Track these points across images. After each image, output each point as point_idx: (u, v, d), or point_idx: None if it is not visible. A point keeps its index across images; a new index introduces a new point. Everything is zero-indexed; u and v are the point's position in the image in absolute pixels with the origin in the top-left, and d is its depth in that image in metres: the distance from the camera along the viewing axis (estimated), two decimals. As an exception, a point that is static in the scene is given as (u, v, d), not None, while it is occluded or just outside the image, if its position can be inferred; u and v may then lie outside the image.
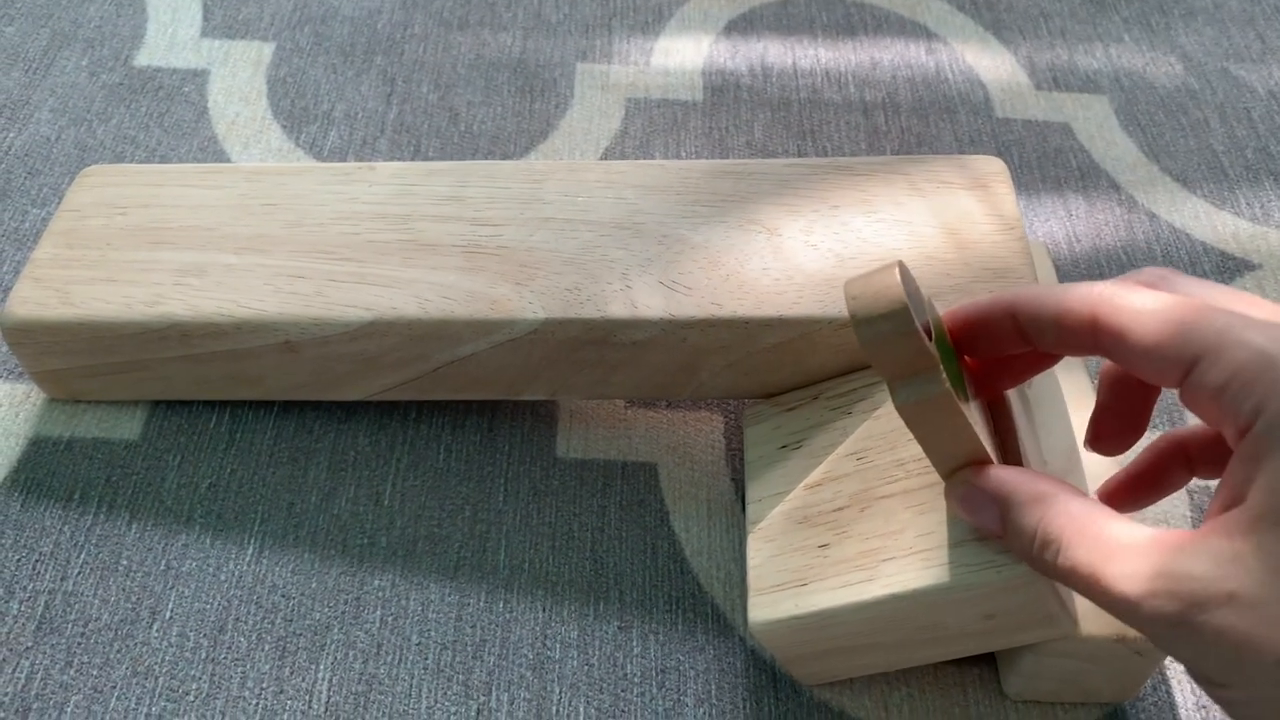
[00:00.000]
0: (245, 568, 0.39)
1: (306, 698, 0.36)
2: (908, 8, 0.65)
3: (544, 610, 0.39)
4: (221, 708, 0.36)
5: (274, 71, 0.58)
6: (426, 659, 0.38)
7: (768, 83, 0.60)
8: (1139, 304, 0.28)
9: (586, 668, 0.38)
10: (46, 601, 0.38)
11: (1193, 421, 0.45)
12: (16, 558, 0.39)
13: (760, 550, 0.36)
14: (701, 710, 0.37)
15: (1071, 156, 0.57)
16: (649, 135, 0.57)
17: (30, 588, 0.39)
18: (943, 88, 0.61)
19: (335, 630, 0.38)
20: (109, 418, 0.43)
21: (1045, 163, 0.57)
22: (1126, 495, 0.34)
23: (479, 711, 0.36)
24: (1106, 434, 0.33)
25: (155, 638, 0.38)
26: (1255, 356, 0.26)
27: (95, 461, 0.42)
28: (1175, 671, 0.39)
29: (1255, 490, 0.25)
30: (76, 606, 0.38)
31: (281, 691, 0.37)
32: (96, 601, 0.38)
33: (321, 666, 0.37)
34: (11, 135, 0.54)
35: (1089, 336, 0.29)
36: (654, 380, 0.41)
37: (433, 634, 0.38)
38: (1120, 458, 0.35)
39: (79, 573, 0.39)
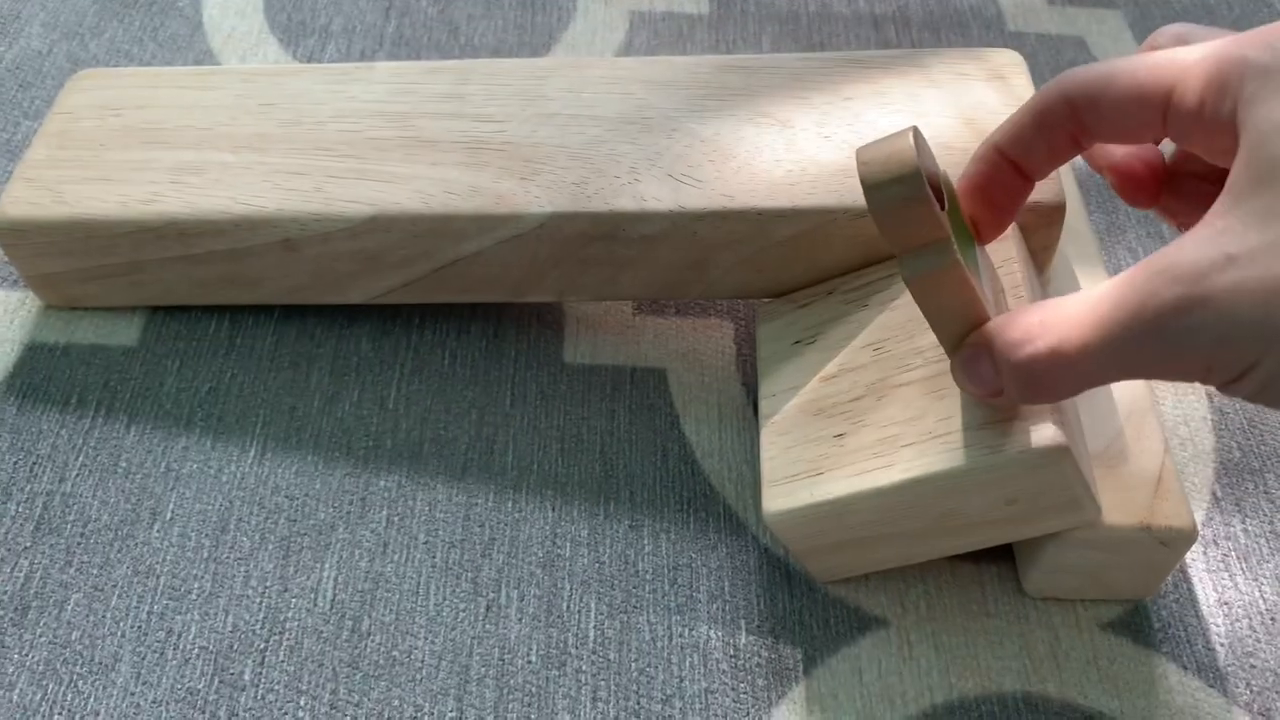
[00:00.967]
0: (247, 469, 0.39)
1: (312, 595, 0.36)
2: (917, -77, 0.64)
3: (553, 510, 0.38)
4: (225, 605, 0.35)
5: (270, -15, 0.57)
6: (434, 557, 0.37)
7: (775, -4, 0.59)
8: (1104, 68, 0.28)
9: (597, 565, 0.37)
10: (45, 503, 0.37)
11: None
12: (14, 460, 0.38)
13: (775, 443, 0.35)
14: (715, 606, 0.36)
15: (1086, 69, 0.56)
16: (654, 49, 0.55)
17: (28, 489, 0.38)
18: (954, 2, 0.59)
19: (340, 530, 0.37)
20: (106, 324, 0.42)
21: (1059, 75, 0.56)
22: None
23: (488, 607, 0.36)
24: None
25: (156, 538, 0.37)
26: (1220, 61, 0.25)
27: (93, 367, 0.41)
28: (1196, 569, 0.38)
29: (1234, 170, 0.25)
30: (75, 507, 0.37)
31: (286, 590, 0.36)
32: (96, 503, 0.38)
33: (326, 565, 0.36)
34: (2, 48, 0.52)
35: (1069, 120, 0.28)
36: (663, 279, 0.40)
37: (440, 533, 0.37)
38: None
39: (77, 474, 0.38)
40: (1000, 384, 0.29)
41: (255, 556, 0.37)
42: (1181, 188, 0.32)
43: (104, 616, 0.35)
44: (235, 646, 0.35)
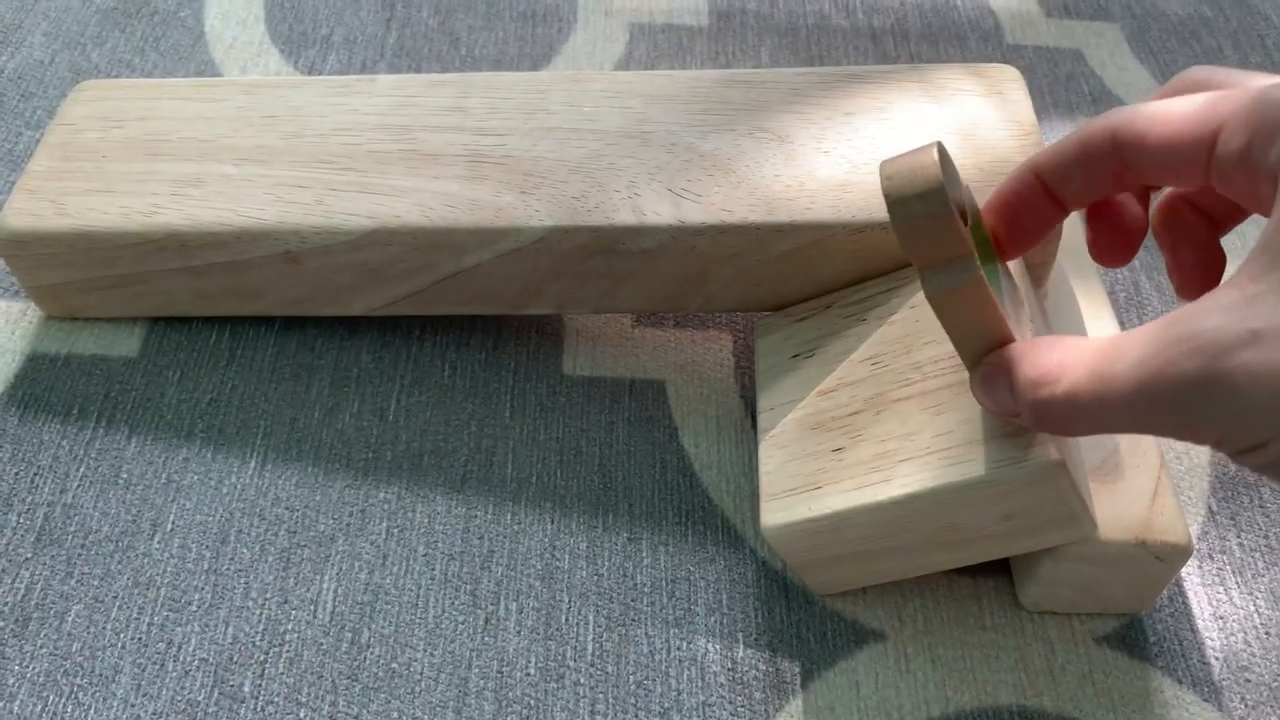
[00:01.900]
0: (247, 481, 0.39)
1: (311, 607, 0.36)
2: (916, -65, 0.64)
3: (552, 522, 0.38)
4: (225, 617, 0.36)
5: (271, -4, 0.57)
6: (434, 569, 0.37)
7: (774, 8, 0.59)
8: (1154, 107, 0.27)
9: (596, 577, 0.37)
10: (46, 514, 0.38)
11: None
12: (15, 471, 0.39)
13: (772, 456, 0.35)
14: (713, 619, 0.36)
15: (1083, 82, 0.56)
16: (654, 60, 0.56)
17: (29, 500, 0.38)
18: (952, 14, 0.60)
19: (340, 542, 0.37)
20: (107, 335, 0.43)
21: (1057, 88, 0.56)
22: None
23: (487, 620, 0.36)
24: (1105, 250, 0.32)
25: (156, 549, 0.37)
26: (1268, 105, 0.24)
27: (94, 377, 0.41)
28: (1192, 583, 0.38)
29: (1272, 224, 0.24)
30: (76, 518, 0.38)
31: (286, 601, 0.36)
32: (96, 514, 0.38)
33: (326, 577, 0.37)
34: (4, 58, 0.53)
35: (1111, 156, 0.28)
36: (663, 292, 0.40)
37: (440, 545, 0.38)
38: None
39: (79, 485, 0.38)
40: (1016, 408, 0.29)
41: (255, 568, 0.37)
42: (1179, 220, 0.31)
43: (104, 628, 0.35)
44: (235, 658, 0.35)
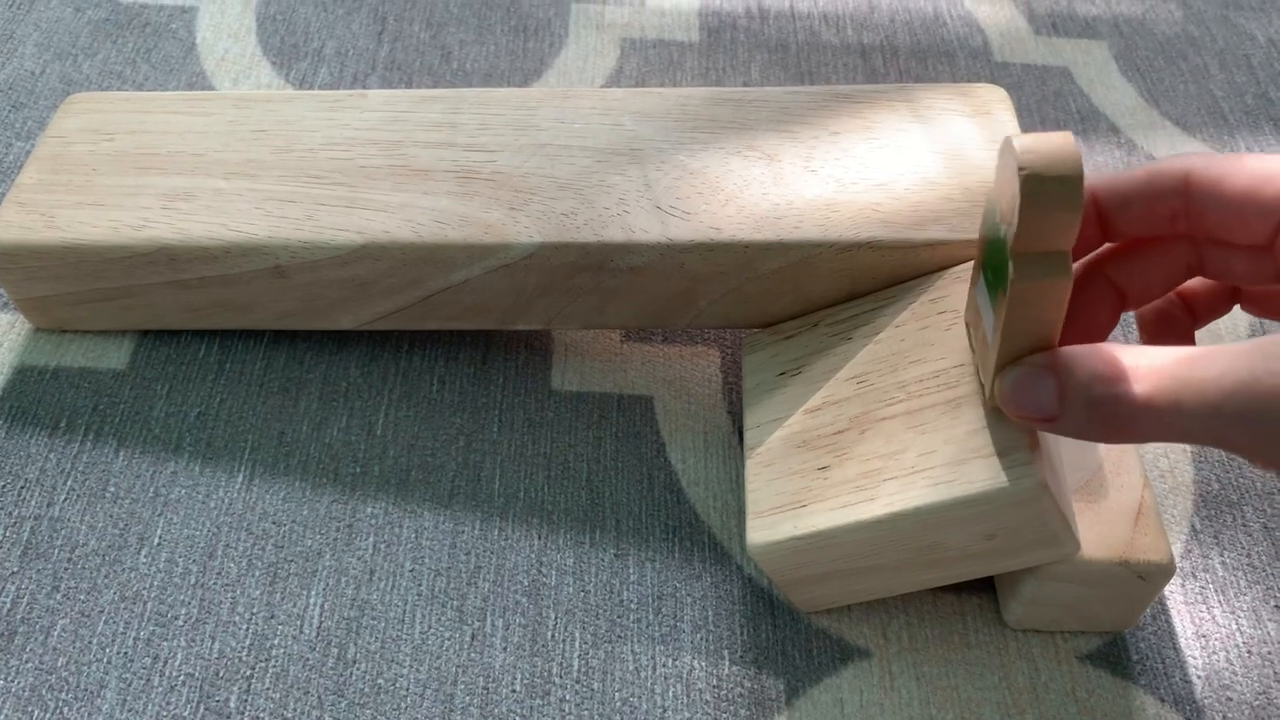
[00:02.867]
0: (235, 495, 0.39)
1: (298, 623, 0.36)
2: (906, -47, 0.65)
3: (539, 538, 0.38)
4: (211, 632, 0.36)
5: (263, 8, 0.57)
6: (420, 585, 0.37)
7: (765, 24, 0.59)
8: (1233, 158, 0.28)
9: (582, 594, 0.37)
10: (32, 527, 0.38)
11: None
12: (1, 484, 0.39)
13: (759, 474, 0.36)
14: (699, 636, 0.36)
15: (1071, 100, 0.57)
16: (644, 75, 0.56)
17: (15, 513, 0.38)
18: (941, 32, 0.60)
19: (327, 556, 0.37)
20: (96, 348, 0.43)
21: (1045, 106, 0.56)
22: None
23: (473, 636, 0.36)
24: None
25: (143, 563, 0.37)
26: None
27: (82, 390, 0.41)
28: (1175, 601, 0.38)
29: None
30: (63, 532, 0.38)
31: (272, 616, 0.36)
32: (84, 527, 0.38)
33: (313, 592, 0.37)
34: (-5, 69, 0.53)
35: (1178, 194, 0.28)
36: (651, 309, 0.40)
37: (426, 560, 0.38)
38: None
39: (65, 499, 0.38)
40: (1055, 410, 0.28)
41: (242, 583, 0.37)
42: (1165, 316, 0.33)
43: (90, 642, 0.35)
44: (221, 673, 0.35)
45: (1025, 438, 0.31)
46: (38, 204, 0.40)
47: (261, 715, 0.34)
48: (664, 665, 0.36)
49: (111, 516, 0.38)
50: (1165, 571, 0.34)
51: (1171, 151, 0.54)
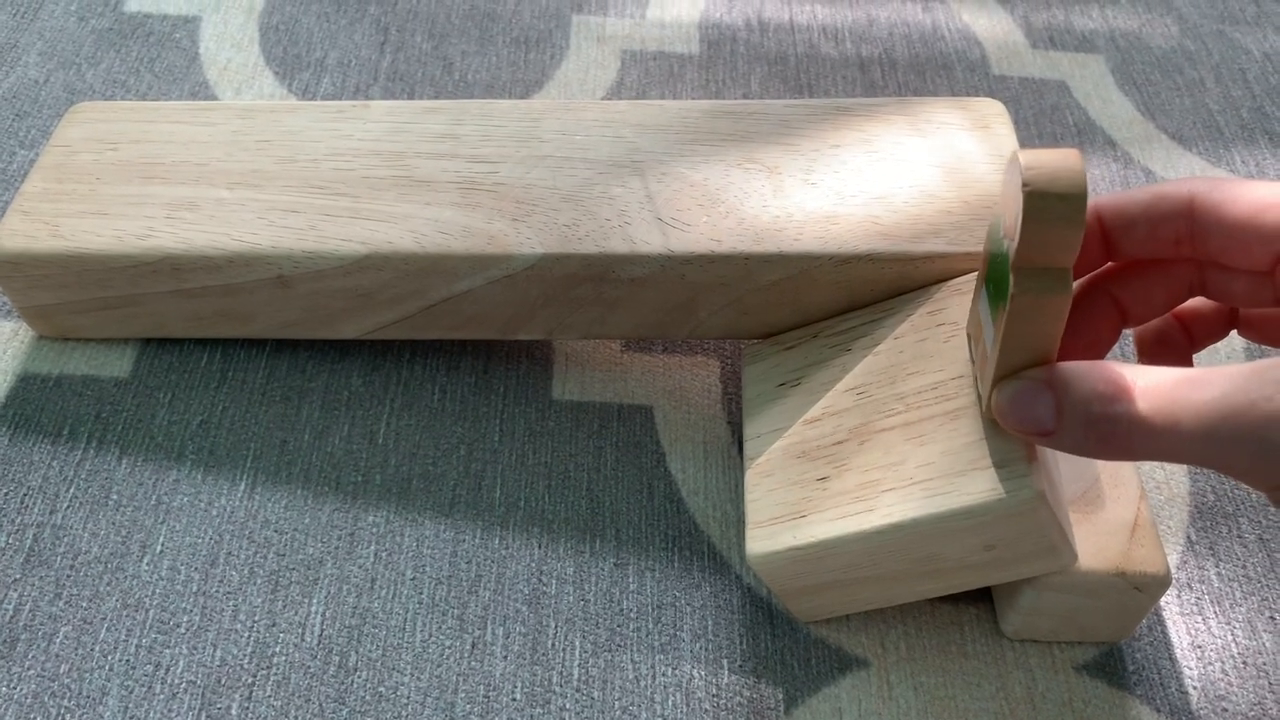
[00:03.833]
0: (237, 503, 0.39)
1: (299, 630, 0.36)
2: (905, -34, 0.65)
3: (540, 547, 0.39)
4: (213, 640, 0.36)
5: (266, 18, 0.58)
6: (421, 593, 0.37)
7: (764, 37, 0.60)
8: (1238, 183, 0.28)
9: (582, 603, 0.37)
10: (35, 534, 0.38)
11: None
12: (4, 491, 0.39)
13: (758, 485, 0.36)
14: (698, 645, 0.36)
15: (1068, 114, 0.57)
16: (645, 87, 0.56)
17: (18, 521, 0.38)
18: (939, 45, 0.61)
19: (329, 565, 0.38)
20: (99, 355, 0.43)
21: (1042, 119, 0.57)
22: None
23: (474, 645, 0.36)
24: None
25: (146, 571, 0.37)
26: None
27: (85, 398, 0.41)
28: (1171, 612, 0.39)
29: None
30: (66, 540, 0.38)
31: (274, 624, 0.36)
32: (86, 535, 0.38)
33: (315, 600, 0.37)
34: (-1, 78, 0.53)
35: (1183, 217, 0.28)
36: (652, 319, 0.40)
37: (427, 569, 0.38)
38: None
39: (68, 506, 0.38)
40: (1052, 426, 0.29)
41: (244, 591, 0.37)
42: (1164, 337, 0.33)
43: (92, 650, 0.35)
44: (223, 681, 0.35)
45: (1023, 450, 0.31)
46: (42, 213, 0.41)
47: (263, 723, 0.34)
48: (663, 674, 0.36)
49: (114, 524, 0.38)
50: (1161, 583, 0.34)
51: (1168, 164, 0.55)
